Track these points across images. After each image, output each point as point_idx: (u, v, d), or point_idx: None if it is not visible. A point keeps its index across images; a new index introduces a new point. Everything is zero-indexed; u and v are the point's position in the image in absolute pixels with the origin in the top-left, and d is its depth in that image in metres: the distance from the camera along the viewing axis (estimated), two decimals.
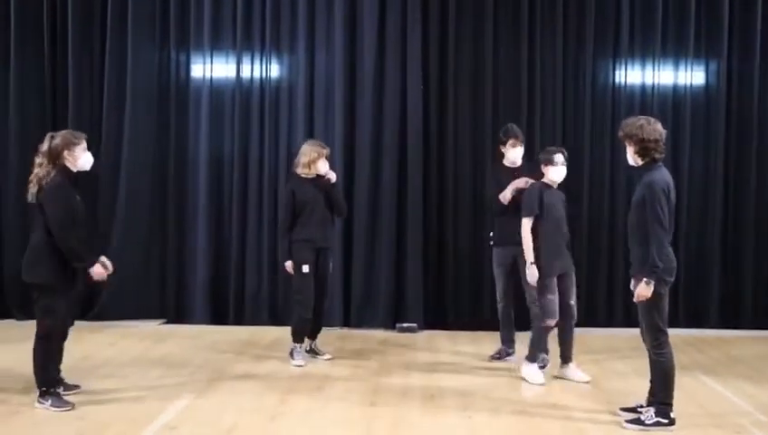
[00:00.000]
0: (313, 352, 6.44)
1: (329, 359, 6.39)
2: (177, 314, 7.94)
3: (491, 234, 6.45)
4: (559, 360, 5.88)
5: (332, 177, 6.24)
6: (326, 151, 6.24)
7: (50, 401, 4.89)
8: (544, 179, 5.80)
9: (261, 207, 7.92)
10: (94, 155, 5.24)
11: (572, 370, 5.80)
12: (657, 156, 4.68)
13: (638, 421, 4.68)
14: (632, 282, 4.69)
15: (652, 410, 4.68)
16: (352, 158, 7.84)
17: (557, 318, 5.67)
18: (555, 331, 5.79)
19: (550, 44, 7.83)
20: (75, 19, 7.82)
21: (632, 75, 7.94)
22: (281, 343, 6.66)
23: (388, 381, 5.75)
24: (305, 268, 6.08)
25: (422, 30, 7.80)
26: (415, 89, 7.77)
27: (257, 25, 7.93)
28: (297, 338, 6.18)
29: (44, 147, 4.90)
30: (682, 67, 7.90)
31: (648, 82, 7.91)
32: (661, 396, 4.67)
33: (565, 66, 7.87)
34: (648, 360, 4.76)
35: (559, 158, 5.76)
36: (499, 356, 6.44)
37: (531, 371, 5.74)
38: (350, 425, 4.74)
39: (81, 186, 5.22)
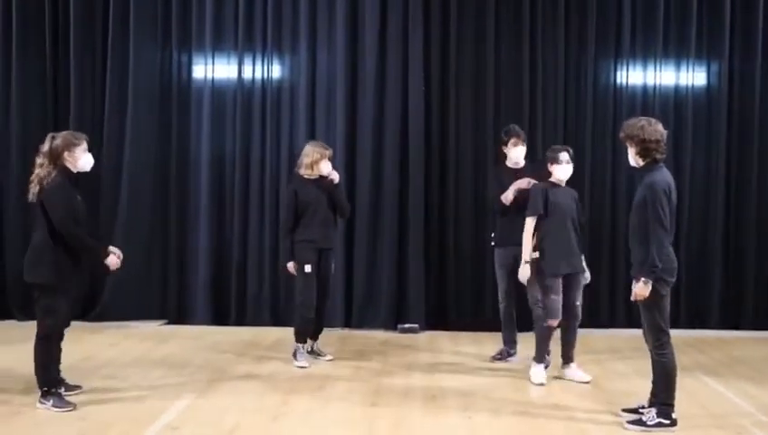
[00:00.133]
0: (315, 353, 6.44)
1: (330, 360, 6.39)
2: (179, 315, 7.94)
3: (492, 234, 6.45)
4: (560, 360, 5.88)
5: (335, 177, 6.22)
6: (329, 152, 6.23)
7: (51, 402, 4.90)
8: (551, 178, 5.80)
9: (262, 207, 7.92)
10: (96, 156, 5.26)
11: (573, 370, 5.80)
12: (658, 157, 4.68)
13: (639, 422, 4.68)
14: (633, 282, 4.68)
15: (654, 410, 4.67)
16: (354, 158, 7.85)
17: (560, 318, 5.67)
18: (558, 331, 5.79)
19: (551, 45, 7.83)
20: (77, 19, 7.83)
21: (634, 76, 7.94)
22: (282, 344, 6.66)
23: (390, 382, 5.75)
24: (308, 268, 6.08)
25: (424, 30, 7.80)
26: (416, 89, 7.78)
27: (259, 26, 7.94)
28: (300, 338, 6.18)
29: (45, 147, 4.91)
30: (683, 68, 7.90)
31: (650, 82, 7.91)
32: (663, 397, 4.67)
33: (567, 67, 7.88)
34: (649, 360, 4.76)
35: (564, 156, 5.76)
36: (500, 357, 6.44)
37: (536, 371, 5.74)
38: (351, 425, 4.74)
39: (82, 186, 5.24)
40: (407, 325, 7.66)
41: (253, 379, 5.80)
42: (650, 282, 4.54)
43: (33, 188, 4.88)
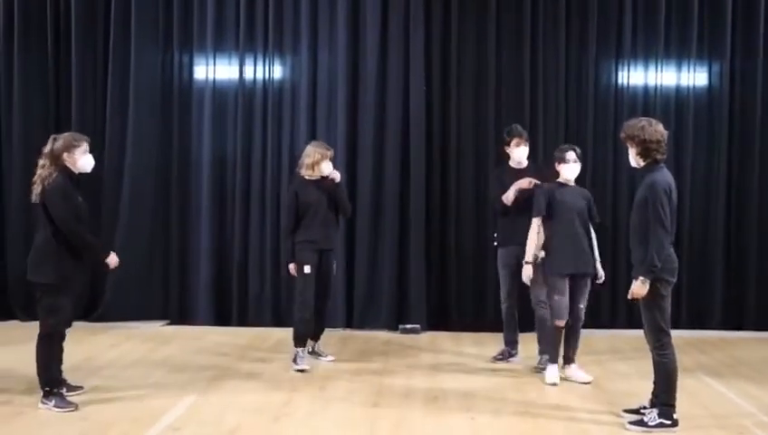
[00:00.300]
0: (316, 353, 6.44)
1: (331, 360, 6.39)
2: (181, 316, 7.95)
3: (495, 235, 6.45)
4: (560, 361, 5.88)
5: (336, 176, 6.21)
6: (330, 153, 6.22)
7: (53, 402, 4.91)
8: (559, 179, 5.79)
9: (264, 208, 7.92)
10: (98, 158, 5.28)
11: (574, 370, 5.80)
12: (658, 157, 4.68)
13: (641, 423, 4.68)
14: (633, 283, 4.68)
15: (655, 411, 4.67)
16: (355, 158, 7.85)
17: (566, 318, 5.67)
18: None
19: (552, 45, 7.83)
20: (78, 21, 7.84)
21: (635, 76, 7.94)
22: (284, 344, 6.66)
23: (391, 383, 5.75)
24: (307, 269, 6.06)
25: (425, 30, 7.81)
26: (418, 89, 7.78)
27: (260, 26, 7.95)
28: (299, 342, 6.12)
29: (47, 149, 4.98)
30: (685, 68, 7.90)
31: (651, 83, 7.91)
32: (664, 397, 4.67)
33: (568, 67, 7.88)
34: (650, 361, 4.76)
35: (571, 155, 5.76)
36: (502, 357, 6.43)
37: (549, 371, 5.75)
38: (352, 426, 4.74)
39: (84, 188, 5.25)
40: (408, 326, 7.67)
41: (254, 379, 5.81)
42: (648, 281, 4.54)
43: (36, 189, 4.94)
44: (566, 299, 5.65)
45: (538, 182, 6.10)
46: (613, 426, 4.77)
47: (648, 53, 7.89)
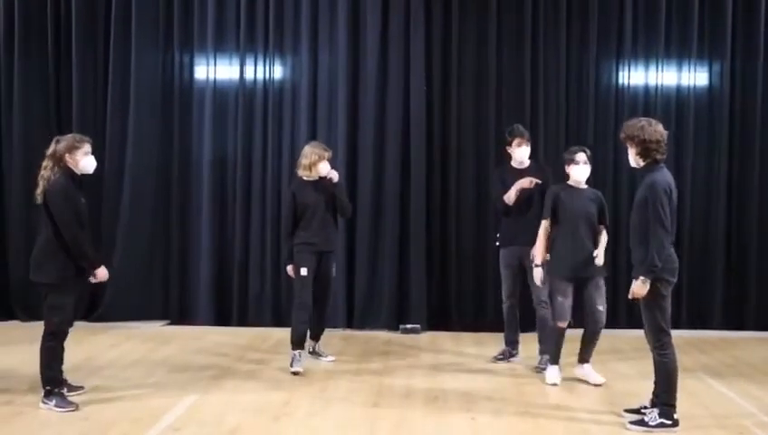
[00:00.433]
0: (316, 353, 6.44)
1: (331, 360, 6.39)
2: (181, 316, 7.96)
3: (497, 235, 6.45)
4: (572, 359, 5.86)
5: (335, 176, 6.17)
6: (328, 154, 6.17)
7: (54, 402, 4.92)
8: (569, 181, 5.77)
9: (264, 208, 7.93)
10: (98, 158, 5.29)
11: (587, 370, 5.75)
12: (658, 157, 4.68)
13: (641, 423, 4.68)
14: (633, 282, 4.68)
15: (656, 411, 4.67)
16: (355, 158, 7.85)
17: (568, 319, 5.66)
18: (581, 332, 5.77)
19: (553, 45, 7.83)
20: (79, 22, 7.85)
21: (635, 76, 7.94)
22: (284, 345, 6.64)
23: (392, 383, 5.75)
24: (303, 271, 6.01)
25: (425, 31, 7.81)
26: (418, 90, 7.78)
27: (260, 27, 7.95)
28: (296, 345, 6.05)
29: (50, 150, 5.03)
30: (685, 68, 7.89)
31: (652, 83, 7.90)
32: (664, 397, 4.67)
33: (568, 67, 7.88)
34: (651, 361, 4.76)
35: (581, 156, 5.74)
36: (503, 357, 6.43)
37: (550, 372, 5.75)
38: (353, 426, 4.74)
39: (84, 188, 5.26)
40: (408, 326, 7.66)
41: (254, 379, 5.81)
42: (648, 281, 4.54)
43: (39, 190, 4.98)
44: (568, 301, 5.64)
45: (539, 182, 6.10)
46: (614, 426, 4.77)
47: (649, 53, 7.89)
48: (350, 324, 7.80)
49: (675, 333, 4.75)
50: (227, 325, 7.81)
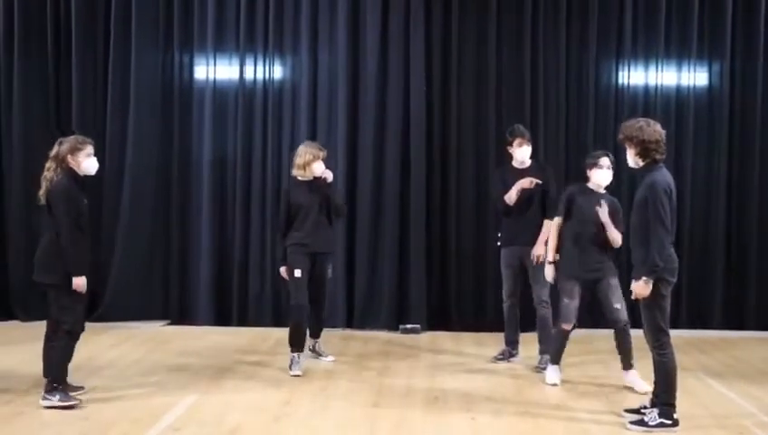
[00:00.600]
0: (316, 352, 6.42)
1: (332, 360, 6.39)
2: (181, 316, 7.96)
3: (498, 235, 6.45)
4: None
5: (329, 176, 6.09)
6: (323, 153, 6.10)
7: (58, 397, 4.96)
8: (589, 184, 5.73)
9: (264, 208, 7.92)
10: (98, 158, 5.30)
11: (633, 376, 5.61)
12: (658, 157, 4.68)
13: (641, 422, 4.68)
14: (632, 282, 4.68)
15: (656, 411, 4.67)
16: (355, 158, 7.85)
17: (572, 322, 5.64)
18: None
19: (553, 45, 7.83)
20: (79, 22, 7.85)
21: (635, 76, 7.94)
22: (284, 345, 6.62)
23: (392, 383, 5.75)
24: (297, 273, 5.95)
25: (425, 30, 7.81)
26: (418, 89, 7.78)
27: (260, 27, 7.95)
28: (294, 348, 6.00)
29: (53, 152, 5.09)
30: (685, 68, 7.90)
31: (652, 83, 7.91)
32: (664, 397, 4.67)
33: (568, 67, 7.88)
34: (651, 361, 4.76)
35: (605, 161, 5.66)
36: (502, 357, 6.43)
37: (550, 372, 5.75)
38: (353, 426, 4.74)
39: (86, 189, 5.27)
40: (408, 326, 7.66)
41: (254, 379, 5.81)
42: (651, 281, 4.53)
43: (42, 191, 5.04)
44: (574, 303, 5.62)
45: (539, 182, 6.10)
46: (614, 426, 4.77)
47: (649, 53, 7.89)
48: (349, 324, 7.80)
49: (674, 333, 4.75)
50: (227, 325, 7.81)
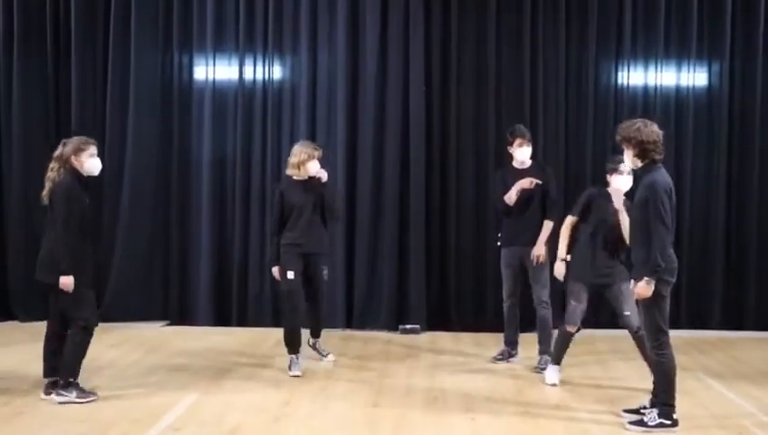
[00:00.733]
0: (317, 351, 6.41)
1: (332, 360, 6.38)
2: (181, 316, 7.95)
3: (499, 235, 6.45)
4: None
5: (324, 176, 6.02)
6: (318, 153, 6.04)
7: (75, 393, 5.02)
8: (609, 188, 5.67)
9: (263, 208, 7.91)
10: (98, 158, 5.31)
11: None
12: (656, 157, 4.67)
13: (641, 423, 4.68)
14: (632, 282, 4.67)
15: (655, 411, 4.67)
16: (354, 158, 7.85)
17: (577, 325, 5.62)
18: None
19: (552, 45, 7.83)
20: (78, 22, 7.84)
21: (635, 76, 7.94)
22: (283, 345, 6.65)
23: (391, 383, 5.76)
24: (290, 275, 5.89)
25: (425, 30, 7.81)
26: (418, 89, 7.78)
27: (260, 27, 7.95)
28: (291, 349, 5.97)
29: (57, 152, 5.15)
30: (685, 68, 7.90)
31: (651, 83, 7.91)
32: (663, 397, 4.67)
33: (568, 67, 7.88)
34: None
35: (625, 167, 5.59)
36: (502, 357, 6.43)
37: (549, 372, 5.74)
38: (352, 426, 4.74)
39: (88, 189, 5.29)
40: (408, 326, 7.66)
41: (254, 379, 5.81)
42: (653, 281, 4.53)
43: (45, 191, 5.10)
44: (581, 306, 5.59)
45: (539, 182, 6.10)
46: (613, 426, 4.77)
47: (648, 53, 7.90)
48: (349, 325, 7.80)
49: (674, 333, 4.75)
50: (227, 326, 7.81)
